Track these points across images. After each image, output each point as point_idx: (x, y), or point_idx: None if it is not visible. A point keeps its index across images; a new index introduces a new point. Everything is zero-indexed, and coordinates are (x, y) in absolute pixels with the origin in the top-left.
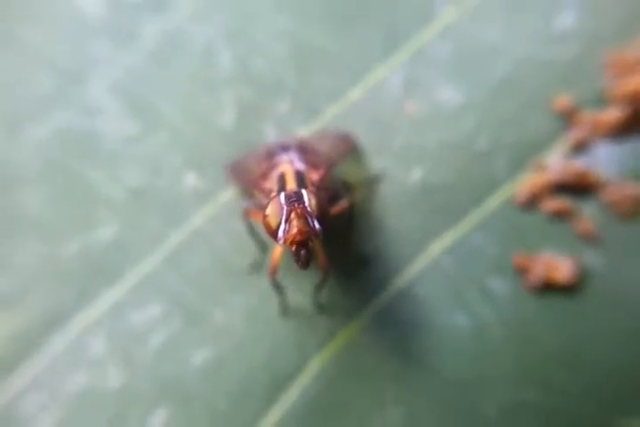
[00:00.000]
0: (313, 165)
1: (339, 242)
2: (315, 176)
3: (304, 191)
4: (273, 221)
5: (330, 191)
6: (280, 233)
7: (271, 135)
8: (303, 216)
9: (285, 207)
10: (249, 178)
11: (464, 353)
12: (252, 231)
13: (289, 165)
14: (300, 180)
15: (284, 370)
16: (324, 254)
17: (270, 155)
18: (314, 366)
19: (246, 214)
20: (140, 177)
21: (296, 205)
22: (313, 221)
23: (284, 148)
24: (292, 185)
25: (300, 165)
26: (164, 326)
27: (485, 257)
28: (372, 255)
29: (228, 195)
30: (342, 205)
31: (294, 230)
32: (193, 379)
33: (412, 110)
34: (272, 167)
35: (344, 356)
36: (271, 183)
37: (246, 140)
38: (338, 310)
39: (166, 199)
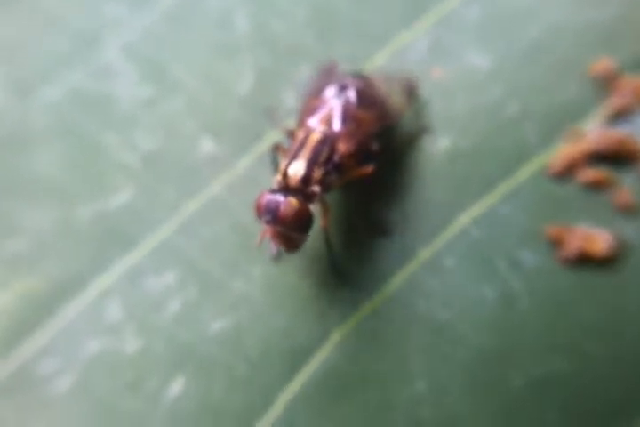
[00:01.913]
0: (361, 120)
1: (359, 207)
2: (344, 147)
3: (282, 205)
4: (257, 211)
5: (360, 154)
6: (260, 233)
7: (290, 102)
8: (274, 234)
9: (263, 222)
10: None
11: (492, 325)
12: (273, 160)
13: (323, 124)
14: (316, 155)
15: (305, 340)
16: (326, 216)
17: (322, 90)
18: (335, 337)
19: (275, 149)
20: (155, 142)
21: (269, 224)
22: (287, 235)
23: (342, 87)
24: (301, 161)
25: (341, 122)
26: (180, 293)
27: (516, 228)
28: (397, 224)
29: (247, 162)
30: (366, 169)
31: (271, 239)
32: (211, 346)
33: (438, 76)
34: (319, 106)
35: (367, 327)
36: (314, 122)
37: (264, 105)
38: (361, 280)
39: (182, 166)
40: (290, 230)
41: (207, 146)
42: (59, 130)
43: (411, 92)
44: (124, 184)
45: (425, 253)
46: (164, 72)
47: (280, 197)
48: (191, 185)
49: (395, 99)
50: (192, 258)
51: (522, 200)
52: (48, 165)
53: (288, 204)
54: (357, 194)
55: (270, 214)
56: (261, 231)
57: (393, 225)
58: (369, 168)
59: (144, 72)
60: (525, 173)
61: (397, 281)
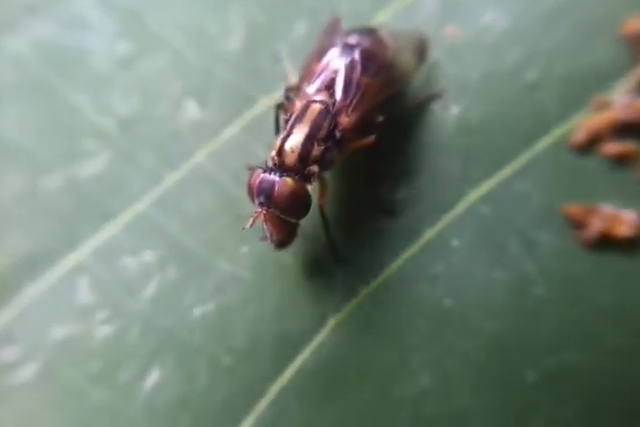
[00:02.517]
0: (367, 88)
1: (360, 185)
2: (346, 120)
3: (277, 184)
4: (250, 191)
5: (362, 126)
6: (253, 213)
7: (285, 62)
8: (268, 217)
9: (256, 204)
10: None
11: (503, 312)
12: (276, 123)
13: (323, 93)
14: (316, 129)
15: (298, 327)
16: (323, 193)
17: (325, 51)
18: (331, 325)
19: (278, 108)
20: (133, 105)
21: (263, 207)
22: (285, 222)
23: (347, 46)
24: (298, 136)
25: (344, 91)
26: (159, 274)
27: (531, 206)
28: (400, 202)
29: (236, 129)
30: (367, 140)
31: (263, 224)
32: (192, 334)
33: (450, 35)
34: (320, 70)
35: (366, 314)
36: (310, 88)
37: (256, 66)
38: (361, 263)
39: (163, 132)
40: (285, 214)
41: (191, 110)
42: (23, 87)
43: (422, 52)
44: (98, 150)
45: (430, 234)
46: (144, 26)
47: (275, 177)
48: (173, 154)
49: (404, 60)
50: (172, 235)
51: (538, 175)
52: (10, 127)
53: (284, 184)
54: (357, 168)
55: (264, 195)
56: (253, 213)
57: (395, 203)
58: (370, 139)
59: (122, 25)
60: (543, 145)
61: (399, 264)
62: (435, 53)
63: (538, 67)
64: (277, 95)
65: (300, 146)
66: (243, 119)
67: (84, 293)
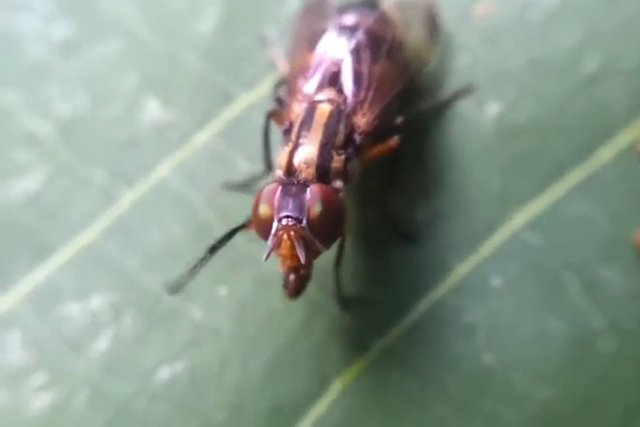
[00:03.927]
0: (382, 78)
1: (375, 202)
2: (364, 121)
3: (310, 191)
4: (265, 210)
5: (380, 128)
6: (269, 240)
7: (274, 47)
8: (296, 240)
9: (275, 222)
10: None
11: (560, 374)
12: (265, 138)
13: (329, 90)
14: (331, 136)
15: (292, 395)
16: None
17: (317, 36)
18: (334, 391)
19: (269, 117)
20: (77, 105)
21: (290, 223)
22: (310, 244)
23: (346, 29)
24: (310, 146)
25: (356, 84)
26: (112, 324)
27: (593, 234)
28: (424, 227)
29: (209, 134)
30: (390, 143)
31: (282, 252)
32: (156, 402)
33: (484, 14)
34: (316, 62)
35: (380, 376)
36: (309, 86)
37: (234, 53)
38: (374, 307)
39: (116, 138)
40: (320, 232)
41: (152, 110)
42: None
43: (433, 22)
44: (32, 164)
45: (462, 269)
46: (92, 4)
47: (300, 187)
48: (129, 167)
49: (415, 36)
50: (129, 273)
51: (601, 193)
52: None
53: (321, 190)
54: (366, 183)
55: (292, 207)
56: (272, 235)
57: (419, 228)
58: (394, 141)
59: (61, 2)
60: (607, 154)
61: (423, 309)
62: (464, 37)
63: (598, 54)
64: (261, 91)
65: (315, 158)
66: (217, 122)
67: (16, 351)
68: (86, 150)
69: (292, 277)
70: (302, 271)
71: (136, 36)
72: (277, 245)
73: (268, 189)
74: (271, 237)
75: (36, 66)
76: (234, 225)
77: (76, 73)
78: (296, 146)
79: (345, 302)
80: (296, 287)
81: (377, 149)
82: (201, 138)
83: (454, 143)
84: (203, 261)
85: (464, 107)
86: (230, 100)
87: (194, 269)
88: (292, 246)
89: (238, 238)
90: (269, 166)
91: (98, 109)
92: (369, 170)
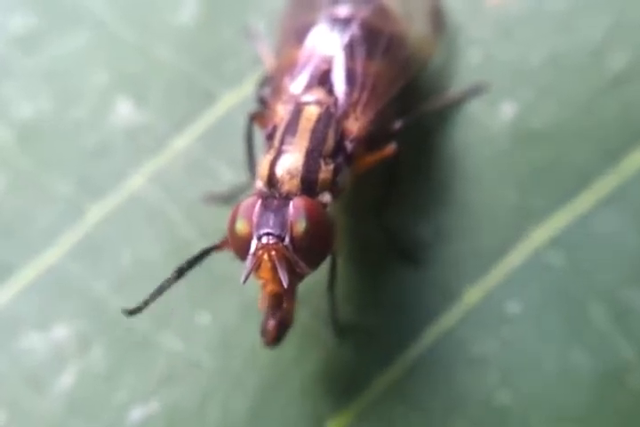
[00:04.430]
0: (377, 78)
1: (372, 218)
2: (356, 126)
3: (293, 205)
4: (243, 226)
5: (375, 134)
6: (248, 261)
7: (260, 41)
8: (278, 260)
9: (254, 241)
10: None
11: (585, 413)
12: (248, 144)
13: (317, 90)
14: (318, 142)
15: None
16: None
17: (306, 30)
18: None
19: (251, 119)
20: (39, 106)
21: (270, 242)
22: (294, 265)
23: (338, 22)
24: (295, 154)
25: (348, 84)
26: (78, 357)
27: (622, 253)
28: (431, 246)
29: (188, 138)
30: (385, 151)
31: (262, 275)
32: None
33: (497, 4)
34: (304, 58)
35: (383, 415)
36: (295, 86)
37: (217, 48)
38: (374, 338)
39: (83, 144)
40: (305, 252)
41: (124, 112)
42: None
43: (437, 16)
44: None
45: (474, 295)
46: None
47: (282, 200)
48: (97, 176)
49: (417, 31)
50: (97, 298)
51: (632, 206)
52: None
53: (304, 204)
54: (362, 196)
55: (272, 223)
56: (251, 255)
57: (422, 248)
58: (390, 148)
59: None
60: (637, 162)
61: (428, 340)
62: (476, 28)
63: (626, 49)
64: (246, 90)
65: (300, 167)
66: (198, 125)
67: None
68: (49, 158)
69: (270, 322)
70: (285, 303)
71: (106, 28)
72: (257, 266)
73: (246, 203)
74: (250, 258)
75: None
76: (214, 242)
77: (37, 70)
78: (279, 153)
79: (341, 330)
80: (276, 334)
81: (371, 158)
82: (179, 143)
83: (463, 151)
84: (167, 283)
85: (475, 109)
86: (212, 101)
87: (156, 293)
88: (274, 268)
89: (221, 257)
90: (255, 176)
91: (62, 112)
92: (364, 181)
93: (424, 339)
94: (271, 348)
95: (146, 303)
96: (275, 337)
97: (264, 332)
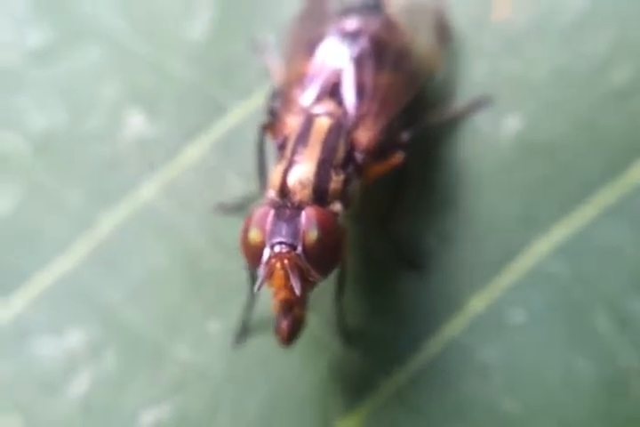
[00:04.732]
0: (386, 90)
1: (379, 227)
2: (366, 137)
3: (305, 215)
4: (256, 235)
5: (383, 146)
6: (260, 269)
7: (270, 54)
8: (291, 269)
9: (267, 249)
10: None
11: (589, 422)
12: (259, 154)
13: (327, 103)
14: (329, 153)
15: None
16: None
17: (315, 43)
18: None
19: (263, 129)
20: (53, 118)
21: (283, 250)
22: (306, 273)
23: (348, 35)
24: (307, 164)
25: (358, 96)
26: (91, 363)
27: (625, 262)
28: (435, 255)
29: (200, 149)
30: (393, 161)
31: (274, 283)
32: None
33: (503, 18)
34: (313, 71)
35: (387, 421)
36: (305, 98)
37: (228, 61)
38: (379, 346)
39: (95, 155)
40: (317, 261)
41: (136, 124)
42: None
43: (442, 28)
44: (2, 185)
45: (477, 304)
46: (70, 6)
47: (294, 210)
48: (110, 187)
49: (423, 43)
50: (110, 306)
51: (635, 217)
52: None
53: (316, 214)
54: (375, 206)
55: (285, 232)
56: (264, 263)
57: (427, 256)
58: (398, 158)
59: (36, 5)
60: None
61: (434, 348)
62: (481, 41)
63: (630, 64)
64: (257, 101)
65: (312, 177)
66: (208, 136)
67: None
68: (62, 169)
69: (284, 322)
70: (297, 309)
71: (118, 42)
72: (269, 274)
73: (258, 213)
74: (262, 266)
75: (6, 75)
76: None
77: (51, 83)
78: (290, 164)
79: (349, 337)
80: (290, 332)
81: (379, 168)
82: (190, 154)
83: (468, 162)
84: (251, 299)
85: (479, 121)
86: (222, 112)
87: (247, 312)
88: (286, 276)
89: (231, 265)
90: (266, 186)
91: (75, 123)
92: (371, 191)
93: (429, 347)
94: (286, 346)
95: (245, 328)
96: (289, 335)
97: (278, 331)
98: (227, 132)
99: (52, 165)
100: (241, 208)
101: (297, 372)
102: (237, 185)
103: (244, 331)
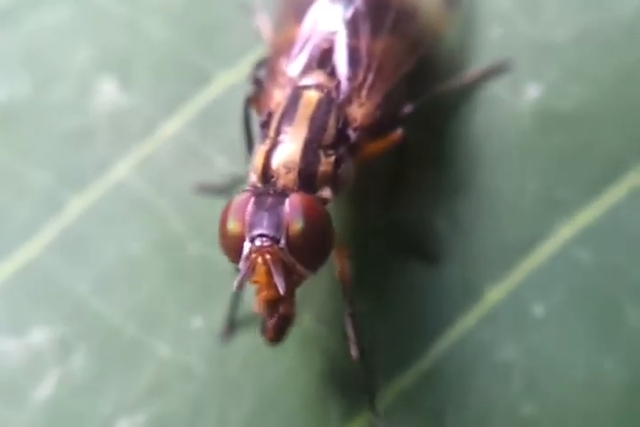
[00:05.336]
0: (384, 58)
1: (381, 212)
2: (358, 112)
3: (289, 203)
4: (234, 226)
5: (382, 120)
6: (240, 264)
7: (259, 16)
8: (274, 264)
9: (247, 243)
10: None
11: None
12: (246, 129)
13: (318, 73)
14: (318, 131)
15: None
16: (344, 258)
17: (305, 6)
18: None
19: (248, 102)
20: (15, 88)
21: (265, 244)
22: (291, 269)
23: None
24: (293, 144)
25: (351, 66)
26: (58, 364)
27: None
28: (448, 244)
29: (178, 124)
30: (392, 137)
31: (256, 280)
32: None
33: None
34: (303, 37)
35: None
36: (293, 67)
37: (208, 23)
38: (387, 344)
39: (63, 130)
40: (303, 255)
41: (108, 94)
42: None
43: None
44: None
45: (495, 295)
46: None
47: (277, 197)
48: (78, 165)
49: (429, 5)
50: (79, 298)
51: None
52: None
53: (301, 201)
54: (369, 187)
55: (267, 224)
56: (244, 258)
57: (439, 244)
58: (396, 134)
59: None
60: None
61: (446, 345)
62: (496, 3)
63: None
64: (244, 70)
65: (298, 160)
66: (189, 108)
67: None
68: (25, 145)
69: (270, 321)
70: (283, 307)
71: (89, 2)
72: (250, 271)
73: (237, 201)
74: (242, 261)
75: None
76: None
77: (12, 48)
78: (274, 144)
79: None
80: (277, 332)
81: (376, 146)
82: (168, 128)
83: (483, 135)
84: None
85: (495, 90)
86: (205, 81)
87: (232, 309)
88: (269, 273)
89: (215, 252)
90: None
91: (39, 94)
92: (370, 171)
93: (441, 343)
94: (273, 346)
95: (231, 324)
96: (276, 336)
97: (264, 330)
98: (210, 103)
99: (13, 142)
100: (225, 189)
101: (289, 372)
102: (221, 163)
103: (231, 326)
